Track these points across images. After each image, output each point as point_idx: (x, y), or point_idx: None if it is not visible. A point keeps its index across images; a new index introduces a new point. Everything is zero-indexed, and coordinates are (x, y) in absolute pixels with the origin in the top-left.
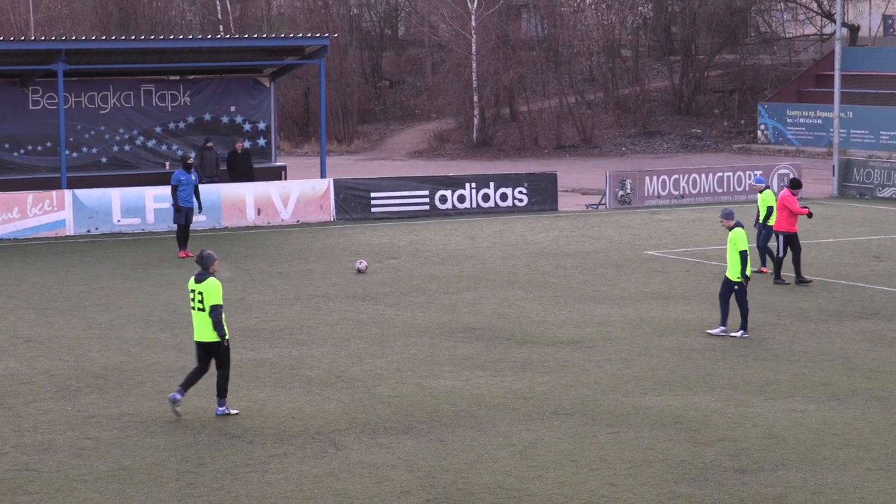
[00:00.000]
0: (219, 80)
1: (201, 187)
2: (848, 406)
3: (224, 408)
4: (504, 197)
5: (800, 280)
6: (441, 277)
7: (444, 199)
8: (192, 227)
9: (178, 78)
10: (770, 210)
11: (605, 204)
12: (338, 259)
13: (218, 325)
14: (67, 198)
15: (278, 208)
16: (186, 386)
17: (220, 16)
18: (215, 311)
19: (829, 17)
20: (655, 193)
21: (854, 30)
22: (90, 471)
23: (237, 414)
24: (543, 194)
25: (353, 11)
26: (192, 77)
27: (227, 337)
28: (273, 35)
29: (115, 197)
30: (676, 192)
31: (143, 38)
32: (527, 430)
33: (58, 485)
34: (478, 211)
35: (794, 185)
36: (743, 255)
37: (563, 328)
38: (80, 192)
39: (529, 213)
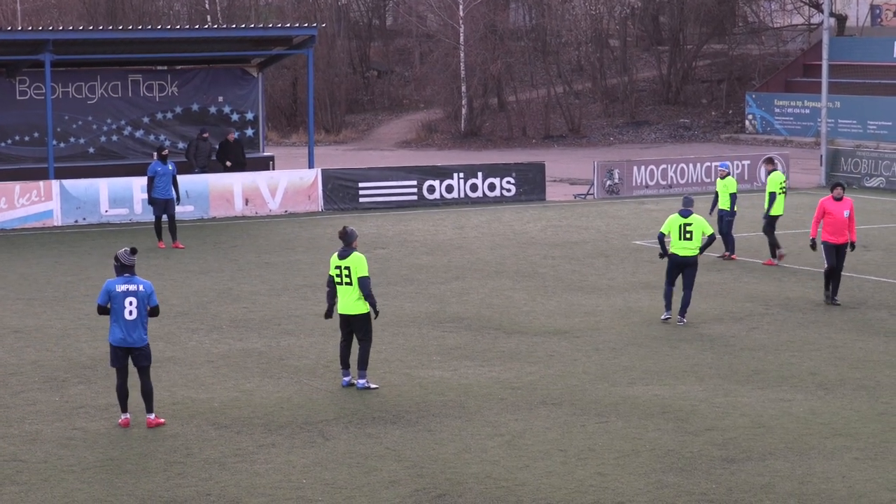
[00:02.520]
0: (206, 71)
1: (191, 177)
2: (835, 395)
3: (364, 381)
4: (492, 187)
5: (830, 299)
6: (429, 267)
7: (432, 189)
8: (179, 217)
9: (165, 68)
10: (734, 197)
11: (593, 194)
12: (326, 249)
13: (370, 296)
14: (55, 188)
15: (266, 198)
16: (346, 364)
17: (207, 6)
18: (365, 283)
19: (817, 6)
20: (643, 183)
21: (841, 19)
22: (78, 461)
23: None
24: (531, 184)
25: (341, 1)
26: (179, 67)
27: (377, 306)
28: (261, 25)
29: (103, 187)
30: (664, 182)
31: (130, 28)
32: (515, 419)
33: (45, 475)
34: (466, 201)
35: (835, 188)
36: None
37: (551, 318)
38: (68, 183)
39: (517, 203)
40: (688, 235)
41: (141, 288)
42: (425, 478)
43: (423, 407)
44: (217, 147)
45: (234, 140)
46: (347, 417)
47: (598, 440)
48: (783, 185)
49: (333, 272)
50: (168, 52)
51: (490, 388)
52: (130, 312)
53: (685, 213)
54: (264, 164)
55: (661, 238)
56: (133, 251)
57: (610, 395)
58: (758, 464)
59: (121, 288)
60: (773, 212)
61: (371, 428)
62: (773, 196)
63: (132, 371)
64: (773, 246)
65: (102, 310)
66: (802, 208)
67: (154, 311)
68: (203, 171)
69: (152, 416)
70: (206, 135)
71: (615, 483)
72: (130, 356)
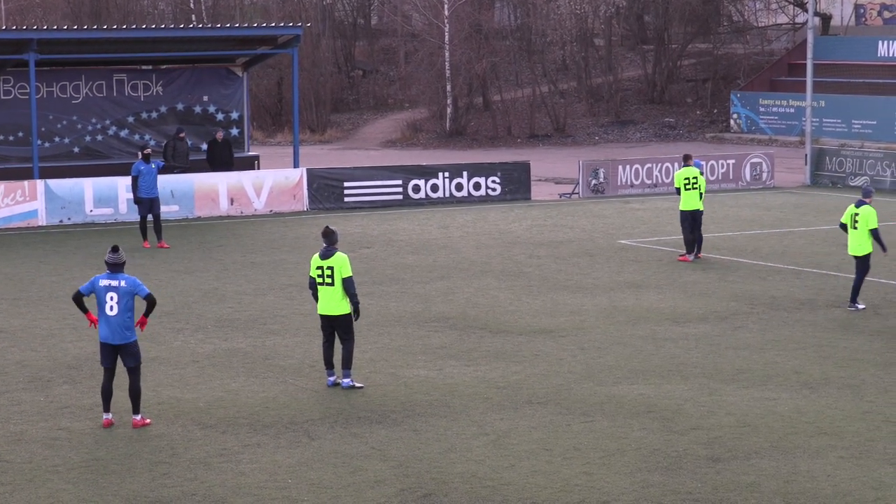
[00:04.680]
0: (191, 70)
1: (177, 177)
2: (820, 394)
3: (349, 380)
4: (477, 186)
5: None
6: (414, 267)
7: (417, 189)
8: (164, 216)
9: (150, 67)
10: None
11: (578, 193)
12: (311, 249)
13: (354, 296)
14: (39, 188)
15: (251, 198)
16: (330, 365)
17: (192, 5)
18: (350, 283)
19: (802, 6)
20: (628, 182)
21: (826, 19)
22: (63, 461)
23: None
24: (516, 183)
25: (326, 1)
26: (164, 67)
27: (359, 306)
28: (246, 24)
29: (88, 187)
30: (649, 182)
31: (115, 27)
32: (500, 419)
33: (30, 475)
34: (451, 200)
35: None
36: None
37: (536, 317)
38: (53, 182)
39: (502, 203)
40: (855, 226)
41: (123, 283)
42: (411, 477)
43: (408, 406)
44: (206, 146)
45: (222, 139)
46: (333, 417)
47: (584, 439)
48: (688, 179)
49: (315, 273)
50: (153, 51)
51: (475, 388)
52: (111, 308)
53: (857, 204)
54: (249, 164)
55: (845, 227)
56: (115, 249)
57: (595, 394)
58: (743, 463)
59: (103, 283)
60: (681, 206)
61: (356, 427)
62: (676, 192)
63: (120, 372)
64: (689, 243)
65: (78, 296)
66: (787, 207)
67: (149, 300)
68: (183, 171)
69: (138, 416)
70: (182, 135)
71: (601, 482)
72: (119, 355)
